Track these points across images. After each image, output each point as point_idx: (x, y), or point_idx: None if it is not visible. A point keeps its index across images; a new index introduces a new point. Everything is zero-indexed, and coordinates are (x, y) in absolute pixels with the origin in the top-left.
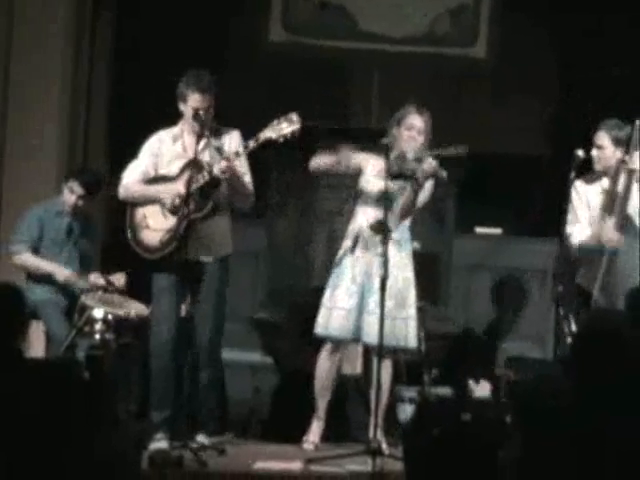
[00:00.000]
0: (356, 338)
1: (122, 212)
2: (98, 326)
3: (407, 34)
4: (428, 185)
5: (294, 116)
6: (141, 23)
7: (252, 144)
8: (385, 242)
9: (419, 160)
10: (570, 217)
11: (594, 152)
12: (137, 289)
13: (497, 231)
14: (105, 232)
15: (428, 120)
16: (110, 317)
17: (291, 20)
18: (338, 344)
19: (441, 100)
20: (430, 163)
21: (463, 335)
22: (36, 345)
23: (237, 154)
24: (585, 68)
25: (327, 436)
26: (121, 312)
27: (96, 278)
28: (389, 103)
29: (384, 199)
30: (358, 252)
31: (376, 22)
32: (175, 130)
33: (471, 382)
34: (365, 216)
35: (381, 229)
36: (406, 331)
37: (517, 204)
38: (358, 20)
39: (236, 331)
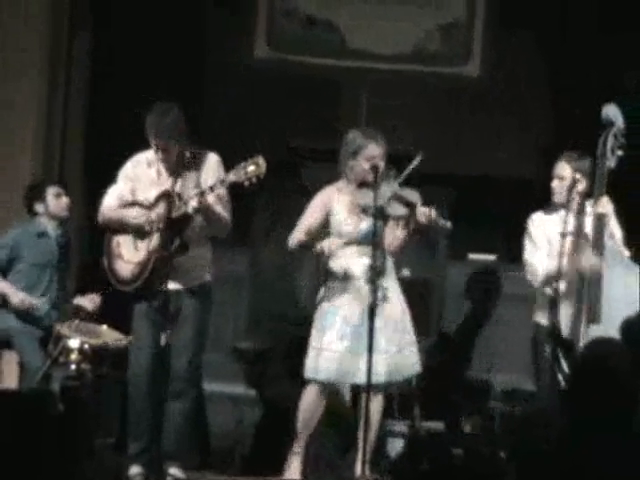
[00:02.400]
0: (353, 382)
1: (99, 233)
2: (74, 356)
3: (397, 51)
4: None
5: (260, 159)
6: (120, 40)
7: (218, 186)
8: (374, 269)
9: (399, 200)
10: (528, 247)
11: (554, 183)
12: (114, 313)
13: (491, 257)
14: (81, 254)
15: (385, 145)
16: (86, 347)
17: (276, 36)
18: (326, 386)
19: (432, 120)
20: (424, 213)
21: (455, 366)
22: (9, 376)
23: (202, 194)
24: (582, 89)
25: (313, 471)
26: (98, 341)
27: (79, 300)
28: (378, 122)
29: (371, 239)
30: (352, 294)
31: (365, 39)
32: (151, 154)
33: (463, 416)
34: (350, 257)
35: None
36: (414, 357)
37: (511, 229)
38: (346, 37)
39: (217, 361)
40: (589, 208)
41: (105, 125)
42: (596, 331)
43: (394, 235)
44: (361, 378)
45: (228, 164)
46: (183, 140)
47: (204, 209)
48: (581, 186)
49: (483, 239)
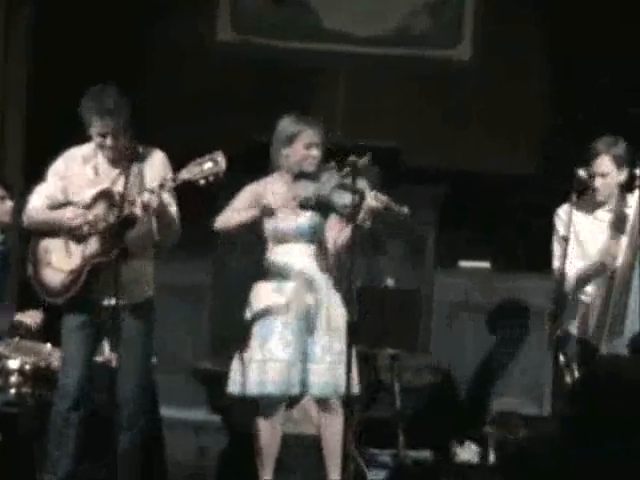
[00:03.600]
0: (296, 394)
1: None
2: (13, 379)
3: (378, 33)
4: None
5: (219, 156)
6: (61, 26)
7: (169, 184)
8: (350, 278)
9: (345, 188)
10: (557, 250)
11: (598, 182)
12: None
13: (485, 265)
14: (21, 266)
15: (323, 133)
16: (28, 368)
17: (241, 18)
18: (276, 402)
19: (418, 110)
20: (378, 198)
21: (444, 387)
22: None
23: (152, 191)
24: (583, 74)
25: None
26: (41, 363)
27: (19, 317)
28: (357, 113)
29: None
30: (290, 296)
31: (342, 19)
32: (87, 149)
33: (454, 443)
34: (287, 256)
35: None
36: (353, 375)
37: (508, 232)
38: (322, 17)
39: (176, 384)
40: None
41: (47, 121)
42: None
43: (339, 230)
44: (300, 390)
45: (186, 161)
46: (128, 126)
47: (157, 210)
48: (621, 177)
49: (476, 244)
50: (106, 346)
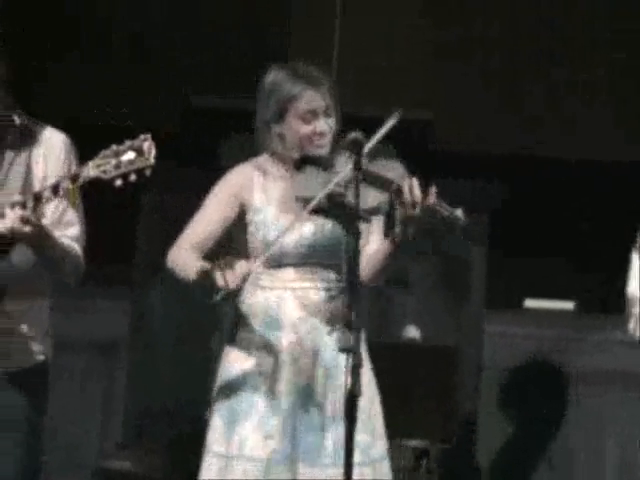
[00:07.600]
0: None
1: None
2: None
3: None
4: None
5: (146, 142)
6: None
7: (64, 185)
8: (350, 318)
9: (370, 180)
10: (631, 284)
11: None
12: None
13: (566, 305)
14: None
15: (333, 91)
16: None
17: None
18: None
19: (462, 43)
20: (413, 188)
21: None
22: None
23: (36, 199)
24: None
25: None
26: None
27: None
28: (362, 56)
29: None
30: (281, 359)
31: None
32: None
33: None
34: (282, 290)
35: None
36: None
37: (604, 257)
38: None
39: None
40: None
41: None
42: None
43: (376, 247)
44: None
45: (88, 144)
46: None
47: (34, 230)
48: None
49: (551, 273)
50: None
